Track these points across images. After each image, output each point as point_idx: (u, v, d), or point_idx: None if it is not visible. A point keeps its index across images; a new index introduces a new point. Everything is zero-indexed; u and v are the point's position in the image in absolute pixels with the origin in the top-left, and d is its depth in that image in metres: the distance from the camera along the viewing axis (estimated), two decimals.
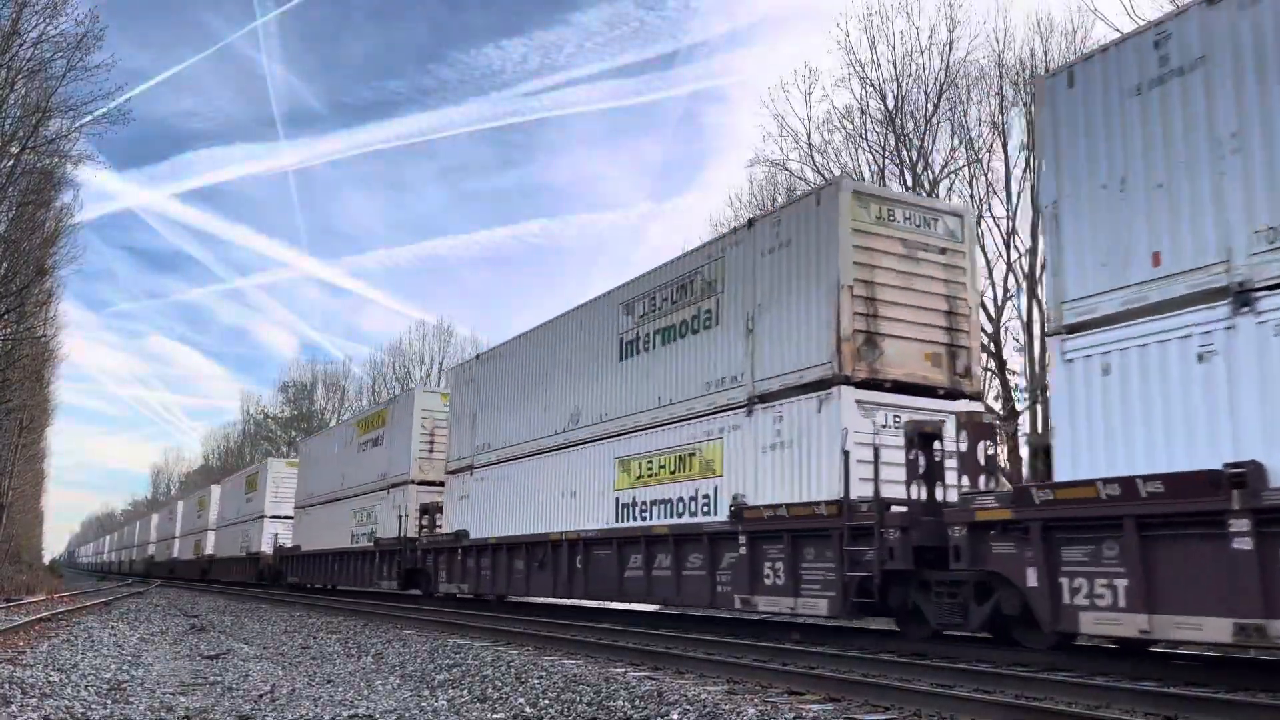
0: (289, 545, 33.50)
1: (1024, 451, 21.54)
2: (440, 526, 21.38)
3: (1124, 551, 7.41)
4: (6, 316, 27.62)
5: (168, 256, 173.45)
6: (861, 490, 10.21)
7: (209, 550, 47.43)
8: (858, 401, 10.91)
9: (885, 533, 9.71)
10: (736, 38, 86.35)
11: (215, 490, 49.84)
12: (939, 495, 9.94)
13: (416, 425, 23.58)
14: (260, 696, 7.55)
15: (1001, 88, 25.40)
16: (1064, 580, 7.93)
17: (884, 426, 10.91)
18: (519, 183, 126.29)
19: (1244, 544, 6.69)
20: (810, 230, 11.64)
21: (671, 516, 13.38)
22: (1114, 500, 7.41)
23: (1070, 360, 8.32)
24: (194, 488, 76.80)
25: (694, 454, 13.06)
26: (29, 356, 34.55)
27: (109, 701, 7.20)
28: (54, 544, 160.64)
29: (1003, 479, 10.61)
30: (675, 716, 6.13)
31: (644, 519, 13.99)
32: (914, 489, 9.93)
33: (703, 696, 6.72)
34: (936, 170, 26.55)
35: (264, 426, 75.18)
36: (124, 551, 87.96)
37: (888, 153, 27.13)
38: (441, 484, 22.02)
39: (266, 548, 35.90)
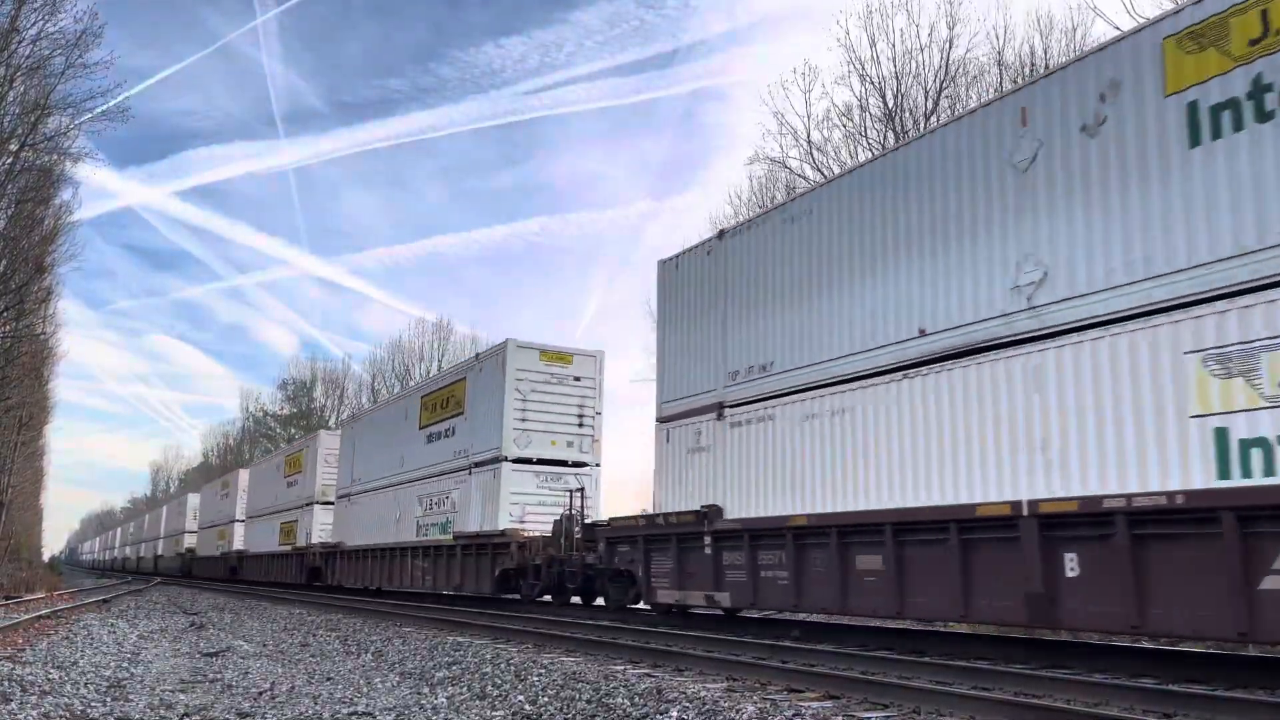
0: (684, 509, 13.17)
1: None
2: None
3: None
4: (5, 314, 27.61)
5: (168, 254, 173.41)
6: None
7: (315, 536, 30.20)
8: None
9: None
10: (736, 36, 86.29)
11: (325, 441, 31.66)
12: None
13: None
14: (260, 694, 7.56)
15: (1001, 85, 25.37)
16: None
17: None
18: (519, 181, 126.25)
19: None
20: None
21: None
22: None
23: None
24: (194, 484, 75.18)
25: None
26: (28, 354, 34.54)
27: (108, 699, 7.21)
28: (53, 542, 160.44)
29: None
30: (675, 714, 6.13)
31: None
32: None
33: (702, 694, 6.73)
34: None
35: (264, 424, 75.16)
36: (145, 546, 71.07)
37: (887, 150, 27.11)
38: None
39: (518, 523, 18.39)
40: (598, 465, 19.30)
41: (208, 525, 48.86)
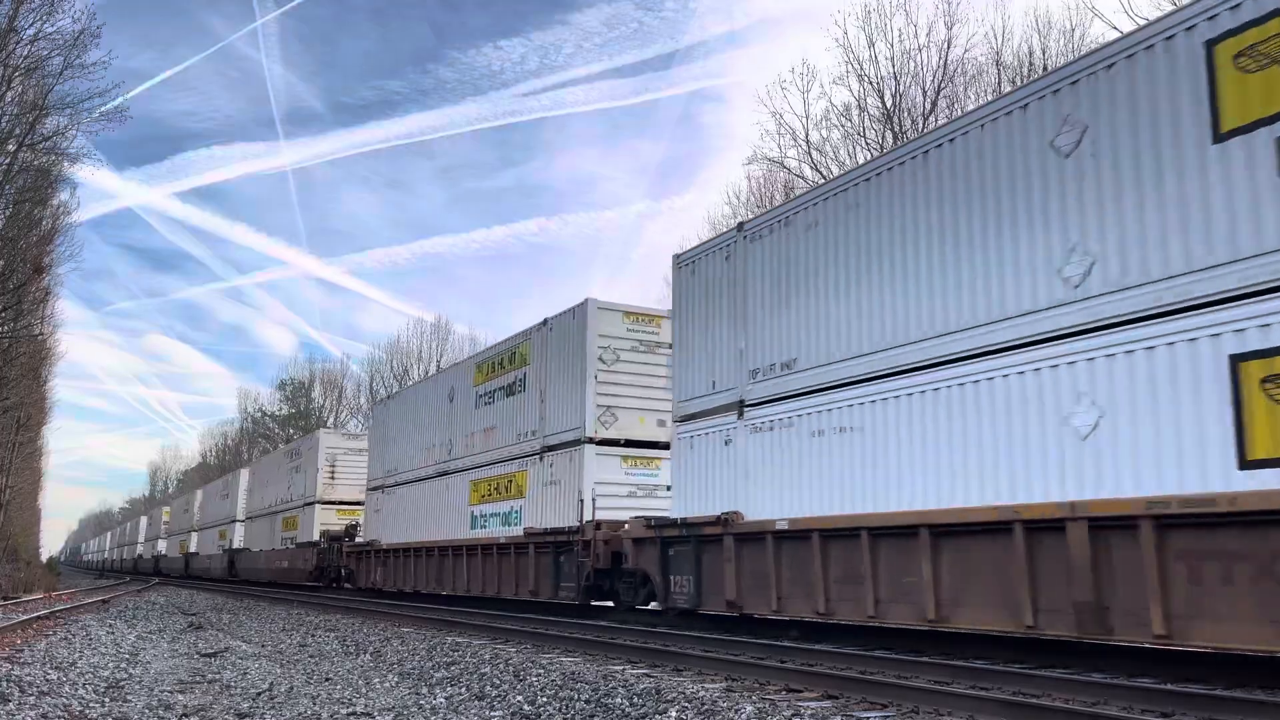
0: None
1: None
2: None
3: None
4: (3, 314, 27.58)
5: (167, 255, 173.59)
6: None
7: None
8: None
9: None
10: (735, 38, 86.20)
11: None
12: None
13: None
14: (258, 694, 7.55)
15: (1000, 85, 25.41)
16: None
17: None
18: (517, 182, 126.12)
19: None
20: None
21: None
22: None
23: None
24: (193, 486, 73.90)
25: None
26: (26, 354, 34.51)
27: (107, 699, 7.20)
28: (52, 541, 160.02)
29: None
30: (673, 714, 6.12)
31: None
32: None
33: (701, 694, 6.72)
34: None
35: (262, 424, 75.13)
36: (196, 538, 47.88)
37: (886, 150, 27.15)
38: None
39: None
40: None
41: (405, 476, 22.54)
